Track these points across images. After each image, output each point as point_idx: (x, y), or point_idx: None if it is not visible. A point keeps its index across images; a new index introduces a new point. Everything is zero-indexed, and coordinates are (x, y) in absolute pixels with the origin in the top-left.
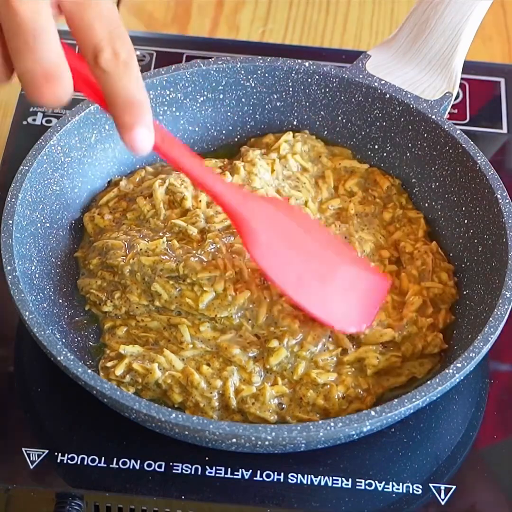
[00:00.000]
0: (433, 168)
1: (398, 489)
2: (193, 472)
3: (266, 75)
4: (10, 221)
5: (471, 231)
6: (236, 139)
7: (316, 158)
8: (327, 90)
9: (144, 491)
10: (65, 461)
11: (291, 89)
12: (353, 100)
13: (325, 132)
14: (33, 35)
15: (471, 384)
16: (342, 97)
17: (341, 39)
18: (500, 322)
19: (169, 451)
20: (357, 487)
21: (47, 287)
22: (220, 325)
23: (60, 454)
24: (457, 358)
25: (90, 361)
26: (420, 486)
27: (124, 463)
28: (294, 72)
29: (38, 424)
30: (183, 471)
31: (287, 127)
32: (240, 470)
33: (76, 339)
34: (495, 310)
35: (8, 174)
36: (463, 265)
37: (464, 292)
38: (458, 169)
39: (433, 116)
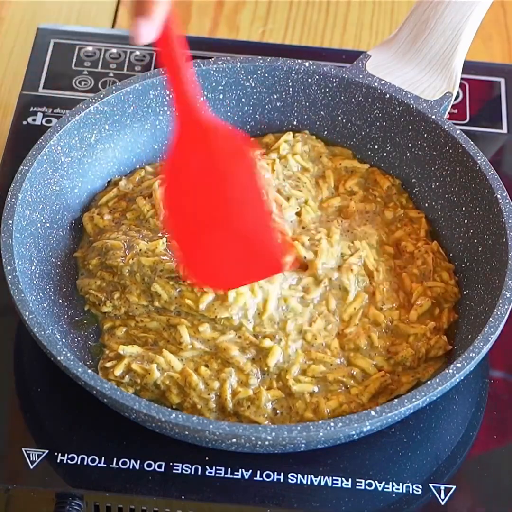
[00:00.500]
0: (433, 168)
1: (398, 489)
2: (193, 472)
3: (266, 75)
4: (10, 221)
5: (471, 231)
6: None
7: (317, 158)
8: (327, 90)
9: (144, 491)
10: (65, 461)
11: (291, 89)
12: (353, 100)
13: (325, 132)
14: None
15: (471, 384)
16: (342, 97)
17: (341, 39)
18: (500, 322)
19: (169, 451)
20: (357, 487)
21: (47, 287)
22: (220, 326)
23: (60, 454)
24: (457, 358)
25: (90, 361)
26: (420, 486)
27: (124, 463)
28: (294, 72)
29: (38, 424)
30: (183, 471)
31: (287, 127)
32: (240, 470)
33: (76, 339)
34: (495, 310)
35: (8, 174)
36: (463, 265)
37: (464, 292)
38: (458, 169)
39: (433, 116)
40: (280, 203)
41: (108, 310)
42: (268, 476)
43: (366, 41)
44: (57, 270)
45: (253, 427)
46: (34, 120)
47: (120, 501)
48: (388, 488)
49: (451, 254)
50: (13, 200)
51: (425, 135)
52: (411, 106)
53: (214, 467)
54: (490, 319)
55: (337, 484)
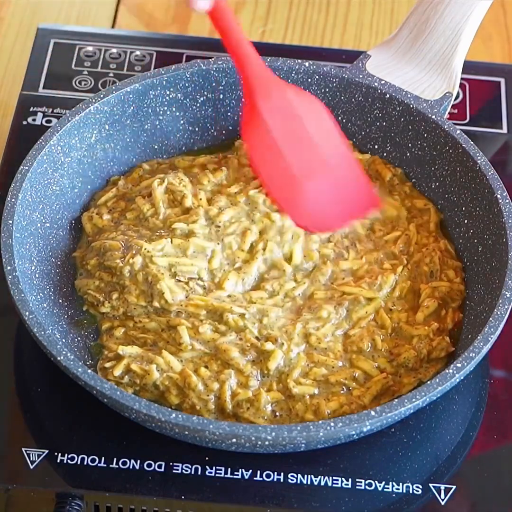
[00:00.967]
0: (433, 168)
1: (398, 489)
2: (193, 472)
3: None
4: (10, 221)
5: (471, 231)
6: (236, 139)
7: None
8: (327, 90)
9: (144, 491)
10: (65, 461)
11: None
12: (353, 100)
13: None
14: None
15: (471, 384)
16: (342, 97)
17: (341, 39)
18: (500, 322)
19: (169, 451)
20: (357, 487)
21: (47, 287)
22: (223, 326)
23: (60, 454)
24: (457, 358)
25: (90, 361)
26: (420, 486)
27: (124, 463)
28: (294, 72)
29: (38, 424)
30: (183, 471)
31: None
32: (240, 470)
33: (76, 339)
34: (495, 310)
35: (8, 174)
36: (463, 265)
37: (465, 292)
38: (458, 169)
39: (433, 116)
40: None
41: (106, 310)
42: (268, 476)
43: (366, 41)
44: (57, 270)
45: (253, 427)
46: (34, 120)
47: (120, 501)
48: (388, 488)
49: None
50: (13, 200)
51: (425, 135)
52: (411, 106)
53: (214, 467)
54: (490, 319)
55: (337, 484)
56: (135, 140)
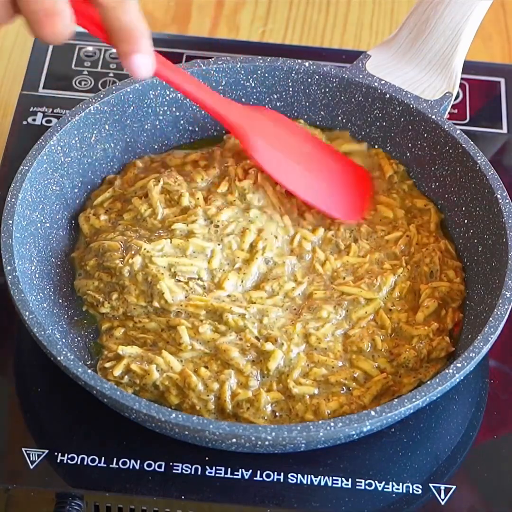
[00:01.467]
0: (433, 168)
1: (398, 489)
2: (193, 472)
3: (266, 75)
4: (10, 221)
5: (471, 231)
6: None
7: None
8: (327, 90)
9: (144, 491)
10: (65, 461)
11: (291, 89)
12: (353, 100)
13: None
14: None
15: (471, 384)
16: (342, 97)
17: (341, 39)
18: (500, 322)
19: (169, 451)
20: (357, 487)
21: (47, 287)
22: (223, 326)
23: (60, 454)
24: (457, 358)
25: (90, 361)
26: (420, 486)
27: (124, 463)
28: (294, 72)
29: (38, 424)
30: (183, 471)
31: None
32: (240, 470)
33: (76, 339)
34: (495, 310)
35: (8, 174)
36: (463, 265)
37: (466, 292)
38: (458, 169)
39: (433, 116)
40: None
41: (106, 310)
42: (268, 476)
43: (366, 41)
44: (57, 270)
45: (253, 427)
46: (34, 120)
47: (120, 501)
48: (388, 488)
49: None
50: (13, 200)
51: (425, 135)
52: (411, 106)
53: (214, 467)
54: (490, 319)
55: (337, 484)
56: (135, 140)
